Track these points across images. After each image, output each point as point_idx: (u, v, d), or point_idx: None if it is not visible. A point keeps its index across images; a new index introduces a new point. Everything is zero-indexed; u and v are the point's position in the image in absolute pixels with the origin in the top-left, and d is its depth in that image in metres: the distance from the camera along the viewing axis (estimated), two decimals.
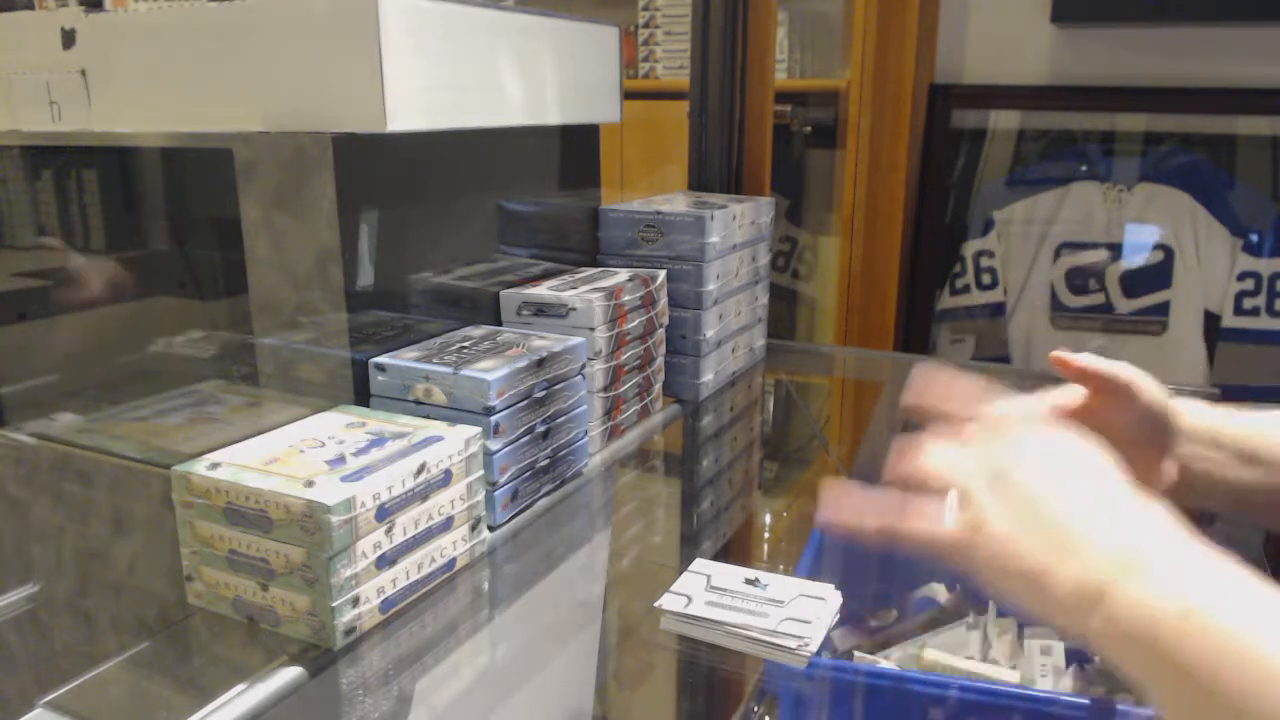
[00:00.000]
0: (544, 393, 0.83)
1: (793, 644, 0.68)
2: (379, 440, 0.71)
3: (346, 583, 0.63)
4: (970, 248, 2.15)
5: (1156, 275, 2.00)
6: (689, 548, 0.92)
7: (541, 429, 0.84)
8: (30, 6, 0.91)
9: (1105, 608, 0.41)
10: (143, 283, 0.91)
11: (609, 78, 1.08)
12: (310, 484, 0.63)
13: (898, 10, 2.00)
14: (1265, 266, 1.92)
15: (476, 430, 0.74)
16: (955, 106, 2.14)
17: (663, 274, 1.08)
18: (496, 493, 0.79)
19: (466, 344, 0.86)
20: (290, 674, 0.62)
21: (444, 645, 0.69)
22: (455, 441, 0.72)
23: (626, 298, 0.99)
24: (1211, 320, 1.96)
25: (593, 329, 0.93)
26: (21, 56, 0.86)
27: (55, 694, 0.62)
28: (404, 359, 0.80)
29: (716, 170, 1.43)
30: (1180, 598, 0.39)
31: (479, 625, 0.74)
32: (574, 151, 1.10)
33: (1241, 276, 1.93)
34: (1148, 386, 0.62)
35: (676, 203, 1.21)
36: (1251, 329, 1.93)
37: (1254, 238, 1.94)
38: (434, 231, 0.88)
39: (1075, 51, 2.05)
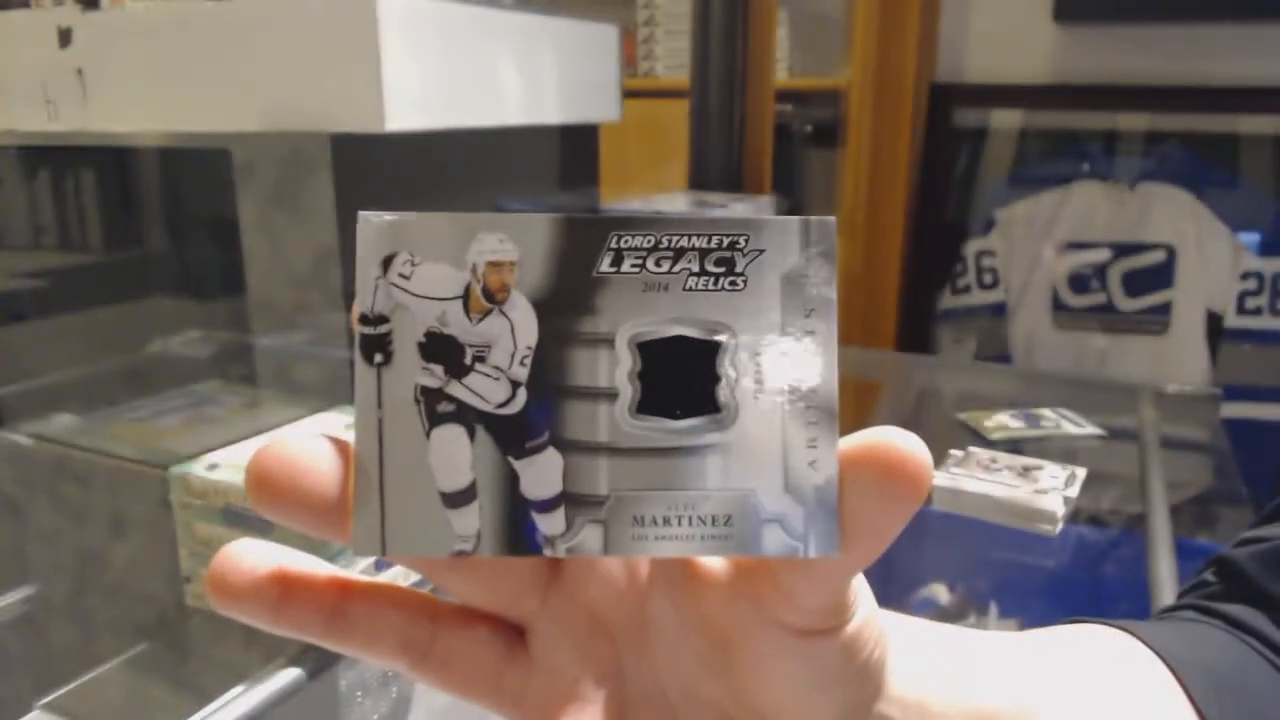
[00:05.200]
0: None
1: None
2: None
3: None
4: (972, 247, 2.14)
5: (1158, 275, 1.99)
6: None
7: None
8: (26, 5, 0.90)
9: None
10: (141, 283, 0.91)
11: (608, 77, 1.07)
12: None
13: (899, 9, 1.99)
14: (1268, 266, 1.92)
15: None
16: (957, 105, 2.14)
17: None
18: None
19: None
20: (290, 675, 0.61)
21: None
22: None
23: None
24: (1214, 320, 1.96)
25: None
26: (18, 55, 0.85)
27: (52, 696, 0.62)
28: None
29: (717, 169, 1.42)
30: None
31: None
32: (573, 151, 1.10)
33: (1244, 276, 1.93)
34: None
35: (676, 202, 1.20)
36: (1254, 329, 1.92)
37: (1256, 236, 1.94)
38: None
39: (1077, 50, 2.05)
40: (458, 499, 0.19)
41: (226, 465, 0.66)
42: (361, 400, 0.19)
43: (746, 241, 0.19)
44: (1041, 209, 2.08)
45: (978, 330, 2.16)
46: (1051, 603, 0.87)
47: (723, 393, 0.19)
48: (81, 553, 0.84)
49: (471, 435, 0.19)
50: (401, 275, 0.19)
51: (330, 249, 0.76)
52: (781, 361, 0.19)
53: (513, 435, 0.19)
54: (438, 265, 0.19)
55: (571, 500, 0.19)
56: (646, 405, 0.19)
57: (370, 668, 0.65)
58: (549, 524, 0.19)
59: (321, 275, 0.76)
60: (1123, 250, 2.03)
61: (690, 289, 0.19)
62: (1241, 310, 1.93)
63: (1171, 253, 1.98)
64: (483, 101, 0.86)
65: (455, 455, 0.19)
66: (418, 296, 0.19)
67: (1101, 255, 2.04)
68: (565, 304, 0.19)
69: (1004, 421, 1.10)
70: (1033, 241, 2.10)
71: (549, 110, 0.97)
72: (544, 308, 0.19)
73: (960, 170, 2.17)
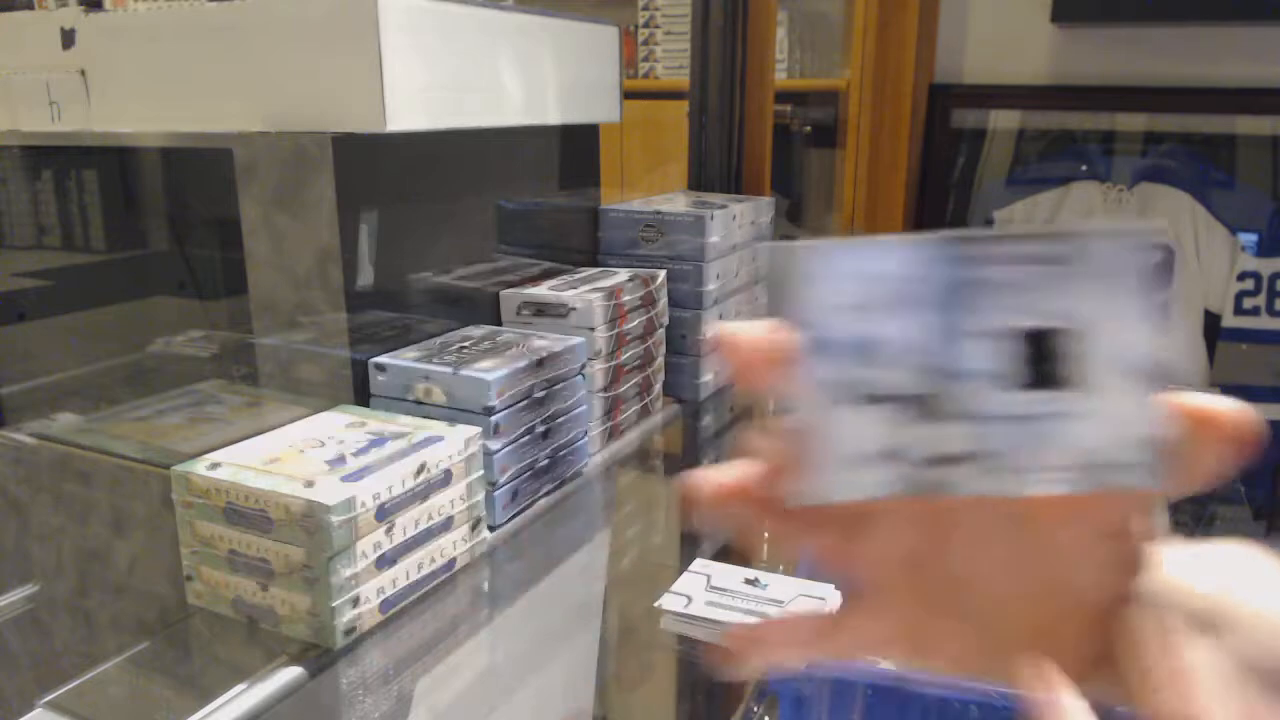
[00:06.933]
0: (544, 393, 0.83)
1: None
2: (379, 440, 0.71)
3: (346, 583, 0.63)
4: None
5: None
6: (689, 548, 0.92)
7: (541, 429, 0.84)
8: (30, 6, 0.90)
9: None
10: (143, 283, 0.91)
11: (608, 77, 1.08)
12: (310, 484, 0.63)
13: (898, 10, 2.00)
14: (1265, 266, 1.92)
15: (476, 430, 0.74)
16: (955, 106, 2.14)
17: (663, 274, 1.08)
18: (496, 493, 0.79)
19: (466, 344, 0.86)
20: (290, 674, 0.62)
21: (444, 645, 0.69)
22: (455, 441, 0.72)
23: (626, 298, 0.99)
24: (1211, 320, 1.96)
25: (593, 329, 0.93)
26: (21, 56, 0.86)
27: (55, 694, 0.62)
28: (404, 359, 0.80)
29: (716, 170, 1.43)
30: None
31: (479, 625, 0.74)
32: (574, 151, 1.10)
33: (1241, 276, 1.93)
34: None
35: (676, 203, 1.21)
36: (1251, 329, 1.93)
37: (1254, 237, 1.94)
38: (434, 231, 0.88)
39: (1075, 51, 2.05)
40: (872, 459, 0.24)
41: (228, 464, 0.66)
42: (802, 383, 0.24)
43: (1093, 246, 0.23)
44: (1040, 209, 2.09)
45: None
46: None
47: (1075, 369, 0.24)
48: (84, 551, 0.84)
49: (883, 410, 0.24)
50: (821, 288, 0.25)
51: (331, 249, 0.76)
52: (1124, 341, 0.23)
53: (916, 410, 0.24)
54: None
55: (956, 458, 0.24)
56: (1015, 382, 0.24)
57: (371, 666, 0.65)
58: (941, 475, 0.24)
59: (322, 275, 0.77)
60: None
61: (1047, 287, 0.23)
62: (1239, 310, 1.93)
63: (1169, 253, 1.99)
64: (484, 102, 0.87)
65: (871, 425, 0.24)
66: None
67: None
68: (948, 304, 0.24)
69: None
70: None
71: (549, 111, 0.97)
72: (930, 308, 0.24)
73: (959, 171, 2.17)
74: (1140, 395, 0.23)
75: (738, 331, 0.26)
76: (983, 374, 0.24)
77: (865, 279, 0.24)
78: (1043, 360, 0.24)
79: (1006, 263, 0.23)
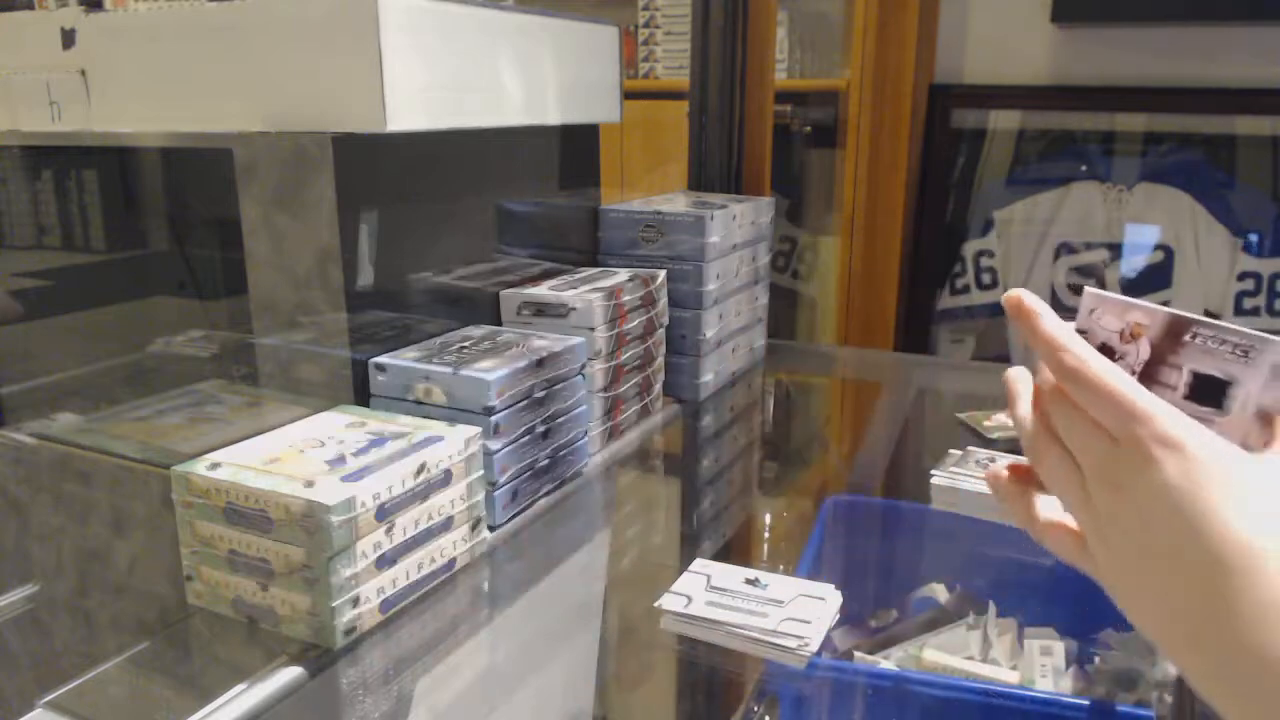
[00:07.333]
0: (544, 393, 0.83)
1: (793, 644, 0.68)
2: (379, 440, 0.71)
3: (346, 583, 0.63)
4: (970, 248, 2.15)
5: (1156, 275, 2.00)
6: (689, 548, 0.92)
7: (541, 429, 0.84)
8: (30, 6, 0.91)
9: None
10: (143, 283, 0.91)
11: (609, 77, 1.08)
12: (310, 484, 0.63)
13: (898, 10, 2.00)
14: (1265, 266, 1.92)
15: (476, 430, 0.74)
16: (955, 106, 2.14)
17: (663, 274, 1.08)
18: (496, 493, 0.79)
19: (466, 344, 0.86)
20: (290, 674, 0.62)
21: (444, 645, 0.69)
22: (455, 441, 0.72)
23: (626, 298, 0.99)
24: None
25: (593, 329, 0.93)
26: (21, 56, 0.86)
27: (55, 694, 0.62)
28: (404, 359, 0.80)
29: (716, 170, 1.43)
30: None
31: (479, 625, 0.74)
32: (574, 151, 1.10)
33: (1241, 276, 1.93)
34: None
35: (676, 203, 1.21)
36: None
37: (1254, 237, 1.94)
38: (434, 231, 0.88)
39: (1075, 51, 2.05)
40: None
41: (228, 464, 0.66)
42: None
43: (1259, 344, 0.40)
44: (1040, 209, 2.09)
45: (976, 330, 2.17)
46: (1050, 600, 0.87)
47: (1226, 401, 0.41)
48: (84, 551, 0.84)
49: None
50: (1095, 315, 0.43)
51: (331, 249, 0.76)
52: (1256, 396, 0.41)
53: None
54: (1113, 318, 0.43)
55: None
56: (1189, 397, 0.42)
57: (371, 666, 0.65)
58: None
59: (322, 275, 0.77)
60: (1120, 251, 2.03)
61: (1225, 356, 0.41)
62: (1239, 311, 1.93)
63: (1169, 253, 1.99)
64: (484, 102, 0.87)
65: None
66: (1102, 327, 0.43)
67: (1099, 256, 2.04)
68: (1167, 348, 0.42)
69: (1003, 421, 1.10)
70: (1031, 242, 2.10)
71: (549, 111, 0.97)
72: (1156, 348, 0.42)
73: (959, 171, 2.17)
74: (1258, 426, 0.41)
75: (1041, 312, 0.41)
76: (1168, 387, 0.42)
77: (1126, 321, 0.43)
78: (1206, 391, 0.41)
79: (1207, 337, 0.41)
